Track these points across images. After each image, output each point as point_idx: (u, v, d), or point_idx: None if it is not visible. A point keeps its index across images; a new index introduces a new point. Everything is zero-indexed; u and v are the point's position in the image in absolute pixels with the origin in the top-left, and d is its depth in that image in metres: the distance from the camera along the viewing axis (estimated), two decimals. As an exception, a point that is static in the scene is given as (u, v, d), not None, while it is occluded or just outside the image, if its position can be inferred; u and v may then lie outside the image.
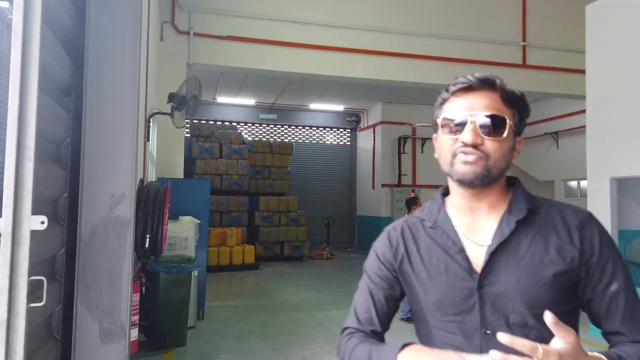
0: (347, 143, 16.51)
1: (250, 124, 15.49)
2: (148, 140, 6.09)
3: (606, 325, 1.05)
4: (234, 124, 14.72)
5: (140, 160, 4.75)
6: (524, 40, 10.09)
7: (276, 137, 15.64)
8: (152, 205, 3.55)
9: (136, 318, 3.31)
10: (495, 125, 1.04)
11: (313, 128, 16.15)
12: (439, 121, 1.11)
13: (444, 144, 1.09)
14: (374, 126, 14.81)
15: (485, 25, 9.77)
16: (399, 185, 14.11)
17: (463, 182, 1.06)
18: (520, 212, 1.08)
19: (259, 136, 15.51)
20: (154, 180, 6.49)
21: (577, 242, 1.05)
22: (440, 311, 1.08)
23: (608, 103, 5.87)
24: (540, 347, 0.81)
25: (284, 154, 13.68)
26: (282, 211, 12.73)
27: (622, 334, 1.03)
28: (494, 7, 9.90)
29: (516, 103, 1.09)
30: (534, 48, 10.08)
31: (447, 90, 1.12)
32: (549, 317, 0.85)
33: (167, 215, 3.95)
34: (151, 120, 6.22)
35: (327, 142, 16.36)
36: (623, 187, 5.72)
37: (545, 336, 0.89)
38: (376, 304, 1.18)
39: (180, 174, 8.00)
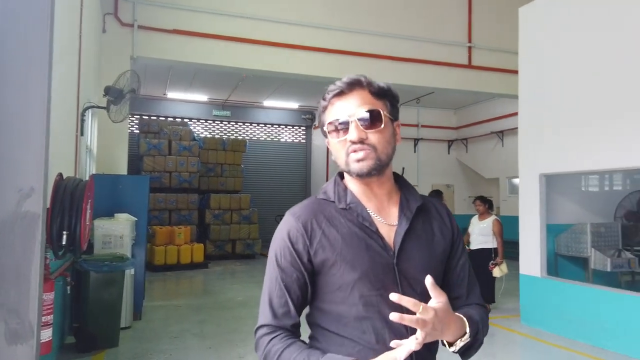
0: (302, 141, 16.51)
1: (204, 121, 15.24)
2: (82, 134, 5.89)
3: (455, 291, 1.27)
4: (186, 120, 14.44)
5: (65, 153, 4.57)
6: (469, 41, 10.36)
7: (230, 134, 15.45)
8: (70, 200, 3.42)
9: (49, 318, 3.17)
10: (373, 119, 1.15)
11: (268, 125, 16.07)
12: (325, 128, 1.21)
13: (336, 147, 1.19)
14: (328, 124, 14.86)
15: (434, 26, 9.97)
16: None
17: (361, 176, 1.17)
18: (416, 199, 1.26)
19: (213, 133, 15.28)
20: (95, 174, 6.27)
21: (449, 225, 1.29)
22: (366, 286, 1.13)
23: (538, 102, 6.10)
24: (421, 305, 0.99)
25: (237, 151, 13.52)
26: (234, 209, 12.58)
27: (461, 298, 1.27)
28: (442, 8, 10.11)
29: (384, 94, 1.21)
30: (479, 49, 10.37)
31: (324, 99, 1.22)
32: (429, 280, 1.03)
33: (90, 211, 3.81)
34: (86, 114, 6.01)
35: (282, 140, 16.31)
36: (551, 183, 5.97)
37: None
38: (292, 295, 1.16)
39: (123, 170, 7.77)
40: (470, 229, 6.66)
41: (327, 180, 15.05)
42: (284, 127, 16.28)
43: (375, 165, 1.15)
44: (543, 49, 6.09)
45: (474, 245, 6.48)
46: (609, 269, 5.58)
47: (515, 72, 6.77)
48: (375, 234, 1.17)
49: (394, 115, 1.22)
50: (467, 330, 1.11)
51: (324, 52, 8.91)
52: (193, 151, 12.23)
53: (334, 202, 1.21)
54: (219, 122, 15.45)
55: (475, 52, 10.37)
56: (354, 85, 1.18)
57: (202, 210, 12.36)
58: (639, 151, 4.83)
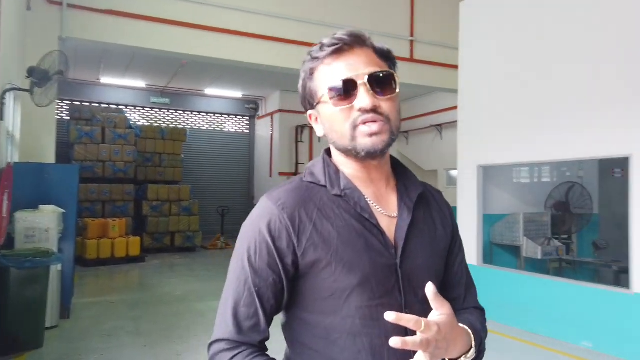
0: (246, 131, 16.20)
1: (141, 108, 14.55)
2: (2, 119, 5.39)
3: (453, 291, 1.09)
4: (122, 107, 13.71)
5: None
6: (412, 35, 10.52)
7: (169, 123, 14.87)
8: (-17, 190, 3.09)
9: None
10: (386, 83, 0.93)
11: (210, 114, 15.61)
12: (321, 93, 0.96)
13: (336, 118, 0.94)
14: (272, 114, 14.68)
15: (378, 19, 10.02)
16: (296, 173, 14.14)
17: (374, 154, 0.93)
18: (416, 186, 1.04)
19: (151, 121, 14.64)
20: (15, 163, 5.77)
21: (448, 217, 1.09)
22: (366, 294, 0.91)
23: (477, 97, 6.29)
24: (423, 322, 0.79)
25: (176, 140, 13.04)
26: (173, 200, 12.14)
27: (458, 300, 1.08)
28: (385, 2, 10.19)
29: (388, 57, 1.00)
30: (421, 43, 10.56)
31: (312, 58, 0.97)
32: (430, 289, 0.83)
33: (7, 202, 3.48)
34: (6, 96, 5.51)
35: (224, 130, 15.91)
36: (488, 175, 6.18)
37: None
38: (264, 305, 0.92)
39: (51, 158, 7.23)
40: None
41: (270, 171, 14.86)
42: (226, 116, 15.89)
43: (390, 141, 0.93)
44: (483, 45, 6.26)
45: None
46: (539, 257, 5.87)
47: (456, 67, 6.93)
48: (375, 228, 0.95)
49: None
50: (473, 344, 0.93)
51: (268, 40, 8.71)
52: (129, 140, 11.64)
53: (324, 186, 0.97)
54: (157, 110, 14.81)
55: (417, 46, 10.55)
56: (356, 41, 0.95)
57: (138, 201, 11.83)
58: (569, 144, 5.08)
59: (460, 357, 0.90)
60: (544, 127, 5.34)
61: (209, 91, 14.44)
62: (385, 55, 0.99)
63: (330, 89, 0.93)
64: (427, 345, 0.79)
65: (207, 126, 15.61)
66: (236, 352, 0.88)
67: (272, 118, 14.66)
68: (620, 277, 5.05)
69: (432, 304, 0.84)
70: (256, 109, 15.84)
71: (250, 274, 0.92)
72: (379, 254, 0.93)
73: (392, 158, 1.06)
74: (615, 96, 4.67)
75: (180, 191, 12.36)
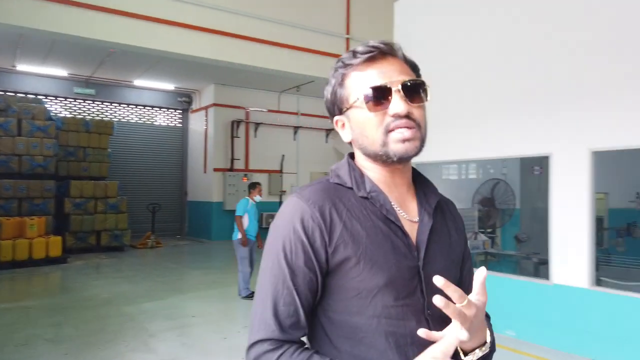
0: (178, 125, 15.64)
1: (63, 99, 13.60)
2: None
3: None
4: (41, 97, 12.74)
5: None
6: (347, 33, 10.62)
7: (95, 115, 14.02)
8: None
9: None
10: (418, 91, 0.98)
11: (139, 107, 14.89)
12: (352, 98, 0.98)
13: (368, 123, 0.96)
14: (206, 108, 14.27)
15: (314, 15, 10.01)
16: (231, 169, 13.88)
17: (406, 160, 0.97)
18: (435, 193, 1.08)
19: (74, 113, 13.73)
20: None
21: (460, 226, 1.13)
22: (392, 294, 0.93)
23: (411, 96, 6.44)
24: (467, 299, 0.83)
25: (103, 133, 12.34)
26: (98, 197, 11.49)
27: None
28: (321, -2, 10.20)
29: (416, 69, 1.05)
30: (357, 41, 10.68)
31: (345, 65, 1.00)
32: (483, 273, 0.86)
33: None
34: None
35: (155, 123, 15.25)
36: (426, 172, 6.35)
37: None
38: (303, 302, 0.93)
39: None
40: None
41: (205, 167, 14.48)
42: (157, 109, 15.24)
43: (420, 147, 0.97)
44: (417, 44, 6.41)
45: None
46: (467, 251, 6.12)
47: (390, 65, 7.05)
48: (400, 230, 0.98)
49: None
50: (488, 339, 0.95)
51: (202, 32, 8.42)
52: (49, 132, 10.85)
53: (351, 188, 1.00)
54: (81, 101, 13.91)
55: (353, 44, 10.66)
56: (389, 50, 0.99)
57: (60, 198, 11.07)
58: (495, 144, 5.33)
59: (475, 349, 0.92)
60: (472, 127, 5.57)
61: (138, 82, 13.77)
62: (414, 66, 1.04)
63: (366, 95, 0.95)
64: (464, 319, 0.82)
65: (137, 119, 14.90)
66: (281, 351, 0.89)
67: (206, 112, 14.26)
68: (540, 269, 5.39)
69: (477, 288, 0.86)
70: (189, 102, 15.33)
71: (287, 272, 0.93)
72: (404, 256, 0.96)
73: (412, 168, 1.10)
74: (537, 100, 4.95)
75: (107, 187, 11.73)
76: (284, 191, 14.86)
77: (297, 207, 0.95)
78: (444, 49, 6.01)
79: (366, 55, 0.97)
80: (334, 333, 0.96)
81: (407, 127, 0.95)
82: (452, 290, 0.81)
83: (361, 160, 1.04)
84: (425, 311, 0.96)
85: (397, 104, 0.95)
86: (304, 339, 0.98)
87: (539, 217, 5.51)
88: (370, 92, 0.95)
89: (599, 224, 4.85)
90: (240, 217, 6.65)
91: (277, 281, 0.93)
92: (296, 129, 15.22)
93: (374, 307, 0.93)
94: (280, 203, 14.69)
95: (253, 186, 6.96)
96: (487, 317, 1.13)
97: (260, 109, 14.48)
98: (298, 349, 0.90)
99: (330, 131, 15.90)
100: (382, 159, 0.97)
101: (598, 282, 4.47)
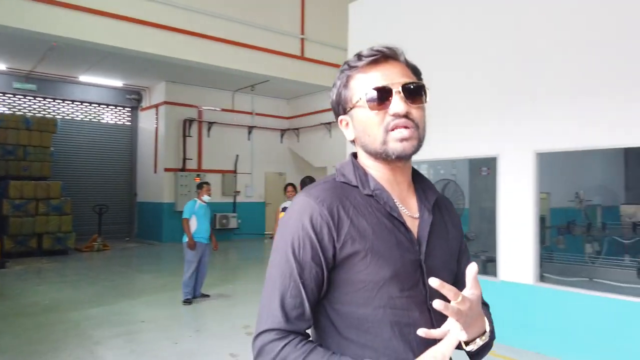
0: (127, 123, 15.10)
1: (1, 94, 12.81)
2: None
3: (461, 288, 1.15)
4: (-24, 91, 11.95)
5: None
6: (302, 33, 10.61)
7: (36, 112, 13.30)
8: None
9: None
10: (417, 93, 1.03)
11: (85, 104, 14.25)
12: (355, 98, 1.04)
13: (370, 121, 1.02)
14: (157, 106, 13.86)
15: (269, 15, 9.94)
16: (183, 169, 13.54)
17: (403, 158, 1.03)
18: (433, 190, 1.15)
19: (14, 109, 12.96)
20: None
21: (457, 222, 1.19)
22: (397, 286, 0.99)
23: (365, 97, 6.50)
24: (461, 295, 0.88)
25: (45, 131, 11.70)
26: (40, 198, 10.91)
27: None
28: (277, -1, 10.14)
29: (418, 73, 1.10)
30: (312, 42, 10.70)
31: (350, 67, 1.07)
32: (473, 269, 0.91)
33: None
34: None
35: (102, 121, 14.65)
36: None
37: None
38: (309, 295, 0.98)
39: None
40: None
41: (155, 167, 14.06)
42: (105, 106, 14.63)
43: (418, 147, 1.03)
44: (371, 45, 6.48)
45: None
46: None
47: (345, 66, 7.10)
48: (403, 226, 1.04)
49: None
50: (487, 328, 1.01)
51: (150, 27, 8.16)
52: (-15, 129, 10.18)
53: (356, 186, 1.05)
54: (21, 97, 13.15)
55: (307, 45, 10.67)
56: (392, 54, 1.06)
57: (-3, 199, 10.42)
58: (445, 145, 5.46)
59: (475, 338, 0.99)
60: (431, 128, 5.68)
61: (84, 78, 13.17)
62: (415, 70, 1.09)
63: (368, 94, 1.02)
64: (460, 315, 0.88)
65: (82, 117, 14.25)
66: (286, 340, 0.93)
67: (157, 110, 13.85)
68: (488, 266, 5.58)
69: (470, 283, 0.92)
70: (139, 100, 14.84)
71: (295, 266, 0.98)
72: (407, 250, 1.02)
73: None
74: (485, 102, 5.13)
75: (50, 188, 11.15)
76: (238, 192, 14.67)
77: (306, 205, 1.01)
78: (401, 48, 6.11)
79: (370, 58, 1.04)
80: (341, 324, 1.01)
81: (406, 127, 1.01)
82: (447, 289, 0.86)
83: (364, 159, 1.10)
84: (428, 302, 1.02)
85: (397, 104, 1.00)
86: (311, 331, 1.05)
87: (487, 216, 5.70)
88: (372, 92, 1.01)
89: (542, 223, 5.08)
90: (187, 219, 6.48)
91: (285, 275, 0.98)
92: (251, 128, 15.06)
93: (380, 298, 0.99)
94: (234, 204, 14.57)
95: (200, 186, 6.75)
96: (486, 305, 1.21)
97: (213, 108, 14.22)
98: (302, 340, 0.95)
99: (285, 132, 15.84)
100: (382, 156, 1.03)
101: (542, 278, 4.68)
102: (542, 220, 5.01)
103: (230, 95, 14.57)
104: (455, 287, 0.93)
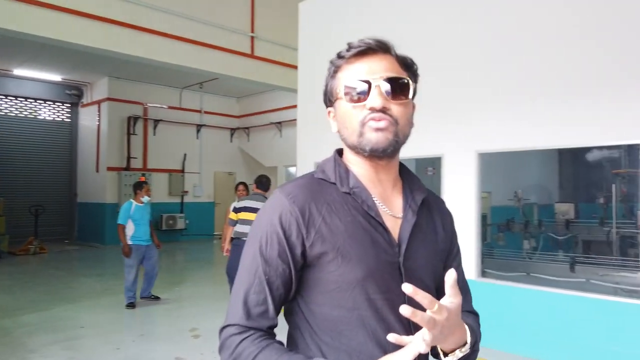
0: (67, 119, 14.37)
1: None
2: None
3: None
4: None
5: None
6: (252, 31, 10.51)
7: (-35, 106, 12.41)
8: None
9: None
10: (400, 88, 1.00)
11: (20, 99, 13.44)
12: (339, 90, 1.02)
13: (348, 114, 1.01)
14: (99, 102, 13.28)
15: (218, 11, 9.77)
16: (127, 168, 13.06)
17: (376, 152, 0.99)
18: (421, 190, 1.10)
19: (-62, 103, 12.03)
20: None
21: (448, 223, 1.15)
22: (372, 287, 0.96)
23: (315, 97, 6.53)
24: (437, 303, 0.83)
25: (-26, 127, 10.95)
26: (-31, 199, 10.18)
27: None
28: (226, -6, 9.98)
29: (410, 67, 1.06)
30: (262, 41, 10.62)
31: (339, 57, 1.05)
32: (452, 275, 0.85)
33: None
34: None
35: (39, 117, 13.86)
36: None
37: None
38: (273, 293, 0.96)
39: None
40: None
41: (97, 166, 13.51)
42: (42, 102, 13.86)
43: (394, 141, 0.99)
44: (321, 46, 6.52)
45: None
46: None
47: (296, 67, 7.10)
48: (380, 226, 1.00)
49: (414, 94, 1.05)
50: (468, 339, 0.96)
51: (93, 20, 7.80)
52: None
53: (334, 184, 1.02)
54: (-53, 90, 12.24)
55: (257, 43, 10.57)
56: (381, 47, 1.02)
57: None
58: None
59: (455, 349, 0.95)
60: None
61: (19, 72, 12.40)
62: (407, 65, 1.06)
63: (347, 87, 1.00)
64: (433, 325, 0.82)
65: (16, 112, 13.42)
66: (245, 335, 0.92)
67: (99, 107, 13.27)
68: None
69: (449, 290, 0.86)
70: (79, 96, 14.16)
71: (261, 263, 0.96)
72: (383, 251, 0.99)
73: (401, 164, 1.13)
74: (431, 103, 5.27)
75: (-20, 188, 10.44)
76: (186, 191, 14.33)
77: (277, 202, 0.99)
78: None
79: (357, 50, 1.02)
80: (315, 324, 0.99)
81: (382, 119, 0.98)
82: (421, 297, 0.81)
83: (347, 154, 1.08)
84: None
85: (374, 98, 0.97)
86: (287, 333, 1.04)
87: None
88: (351, 85, 1.00)
89: (484, 221, 5.29)
90: (123, 226, 6.20)
91: (250, 271, 0.97)
92: (199, 127, 14.74)
93: (354, 300, 0.96)
94: (182, 204, 14.20)
95: (139, 186, 6.45)
96: (475, 315, 1.20)
97: (160, 105, 13.80)
98: (261, 336, 0.93)
99: (235, 130, 15.62)
100: (359, 150, 1.01)
101: (483, 273, 4.87)
102: (483, 218, 5.22)
103: (177, 92, 14.20)
104: (441, 294, 0.90)
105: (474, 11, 4.96)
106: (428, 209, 1.12)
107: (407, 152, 4.45)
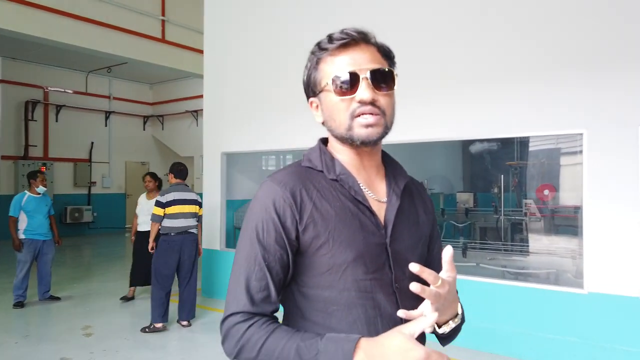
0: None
1: None
2: None
3: None
4: None
5: None
6: (163, 15, 10.06)
7: None
8: None
9: None
10: (385, 80, 1.02)
11: None
12: (324, 82, 1.04)
13: (336, 107, 1.03)
14: (-9, 85, 12.08)
15: (126, -10, 9.23)
16: (25, 157, 12.03)
17: (368, 144, 1.03)
18: (403, 175, 1.15)
19: None
20: None
21: (430, 207, 1.20)
22: (361, 269, 1.00)
23: (222, 83, 6.36)
24: (440, 278, 0.89)
25: None
26: None
27: None
28: (135, -27, 9.44)
29: (390, 56, 1.08)
30: (173, 25, 10.20)
31: (320, 49, 1.05)
32: (448, 252, 0.92)
33: None
34: None
35: None
36: (231, 162, 6.35)
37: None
38: (274, 278, 0.99)
39: None
40: (138, 210, 6.10)
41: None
42: None
43: (383, 133, 1.02)
44: (227, 31, 6.34)
45: (143, 227, 5.93)
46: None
47: (204, 52, 6.87)
48: (368, 210, 1.04)
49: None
50: (459, 310, 1.04)
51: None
52: None
53: (321, 171, 1.06)
54: None
55: (169, 27, 10.15)
56: (362, 38, 1.03)
57: None
58: (309, 133, 5.55)
59: (448, 320, 1.02)
60: (287, 117, 5.62)
61: None
62: (387, 54, 1.07)
63: (335, 79, 1.01)
64: (438, 298, 0.89)
65: None
66: (251, 322, 0.94)
67: (-9, 90, 12.07)
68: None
69: (446, 266, 0.93)
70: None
71: (259, 250, 0.98)
72: (371, 234, 1.03)
73: (382, 151, 1.15)
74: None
75: None
76: (94, 182, 13.50)
77: (269, 190, 1.01)
78: (255, 36, 6.06)
79: (340, 42, 1.02)
80: (307, 307, 1.02)
81: (372, 114, 1.00)
82: (427, 274, 0.87)
83: (332, 143, 1.11)
84: (393, 284, 1.03)
85: (363, 91, 0.99)
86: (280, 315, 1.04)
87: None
88: (338, 78, 1.01)
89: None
90: (14, 218, 5.74)
91: (249, 259, 0.99)
92: (108, 114, 13.90)
93: (344, 281, 1.00)
94: (89, 195, 13.35)
95: (33, 176, 5.95)
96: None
97: (63, 90, 12.83)
98: (267, 321, 0.95)
99: (148, 118, 14.91)
100: (348, 142, 1.04)
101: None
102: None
103: (83, 76, 13.27)
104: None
105: (376, 6, 5.04)
106: (410, 194, 1.17)
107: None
